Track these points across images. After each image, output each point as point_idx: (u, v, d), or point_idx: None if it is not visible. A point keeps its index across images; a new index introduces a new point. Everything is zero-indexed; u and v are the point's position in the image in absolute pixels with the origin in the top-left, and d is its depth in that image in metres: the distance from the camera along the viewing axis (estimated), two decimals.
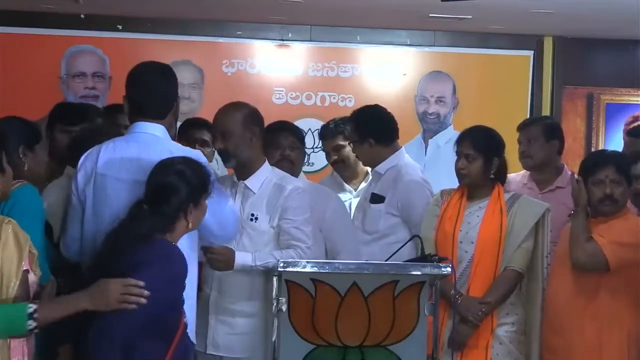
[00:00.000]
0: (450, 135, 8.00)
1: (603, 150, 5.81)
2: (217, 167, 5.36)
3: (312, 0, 7.04)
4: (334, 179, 5.61)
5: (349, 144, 5.29)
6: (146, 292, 3.31)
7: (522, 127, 5.34)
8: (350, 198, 5.51)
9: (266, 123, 4.55)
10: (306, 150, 5.13)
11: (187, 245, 3.73)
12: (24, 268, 3.29)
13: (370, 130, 5.09)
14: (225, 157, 4.36)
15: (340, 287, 3.91)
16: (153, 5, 7.43)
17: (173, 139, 4.04)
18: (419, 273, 3.94)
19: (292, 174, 4.58)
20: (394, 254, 4.30)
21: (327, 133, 5.55)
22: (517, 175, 5.29)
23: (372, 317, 3.93)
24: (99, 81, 7.92)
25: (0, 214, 3.50)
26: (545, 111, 8.28)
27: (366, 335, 3.94)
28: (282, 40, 8.13)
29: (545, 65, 8.39)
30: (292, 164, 4.72)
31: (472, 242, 4.48)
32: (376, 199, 5.07)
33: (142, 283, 3.32)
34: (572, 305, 4.40)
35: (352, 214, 5.26)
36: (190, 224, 3.59)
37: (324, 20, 8.00)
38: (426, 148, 8.26)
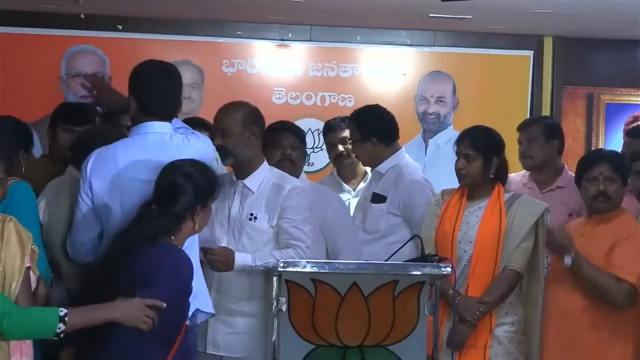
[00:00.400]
0: (450, 135, 7.99)
1: (600, 149, 5.82)
2: (217, 165, 5.36)
3: (312, 0, 7.04)
4: (333, 178, 5.61)
5: (350, 143, 5.29)
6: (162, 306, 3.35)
7: (522, 127, 5.34)
8: (349, 198, 5.51)
9: (266, 123, 4.55)
10: (306, 150, 5.13)
11: (188, 244, 3.73)
12: (27, 265, 3.29)
13: (372, 129, 5.10)
14: (224, 155, 4.37)
15: (340, 287, 3.91)
16: (153, 5, 7.43)
17: None
18: (419, 273, 3.95)
19: (293, 174, 4.59)
20: (393, 254, 4.30)
21: (335, 125, 5.55)
22: (517, 175, 5.29)
23: (372, 317, 3.93)
24: None
25: None
26: (545, 111, 8.28)
27: (366, 335, 3.95)
28: (282, 40, 8.12)
29: (545, 65, 8.38)
30: (293, 164, 4.72)
31: (471, 242, 4.48)
32: (377, 198, 5.07)
33: (163, 305, 3.34)
34: (571, 313, 4.37)
35: (351, 214, 5.25)
36: (196, 226, 3.63)
37: (324, 20, 7.99)
38: (426, 148, 8.25)
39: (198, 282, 3.82)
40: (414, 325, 3.97)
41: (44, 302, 3.54)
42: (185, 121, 5.60)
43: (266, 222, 4.30)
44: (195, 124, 5.48)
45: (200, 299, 3.90)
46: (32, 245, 3.34)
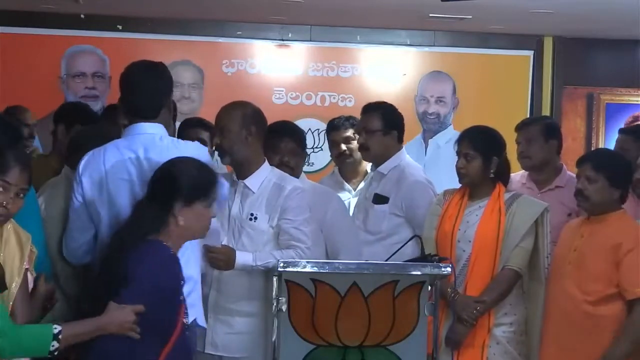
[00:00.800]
0: (450, 135, 8.00)
1: (598, 149, 5.80)
2: (217, 165, 5.36)
3: (312, 0, 7.04)
4: (334, 177, 5.61)
5: (366, 132, 5.17)
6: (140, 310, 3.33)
7: (521, 128, 5.32)
8: (349, 197, 5.51)
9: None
10: (306, 151, 5.12)
11: (189, 250, 3.73)
12: (25, 267, 3.29)
13: (396, 123, 5.12)
14: (222, 153, 4.37)
15: (340, 287, 3.92)
16: (153, 5, 7.43)
17: None
18: (419, 273, 3.95)
19: None
20: (394, 254, 4.31)
21: (339, 124, 5.55)
22: (516, 175, 5.28)
23: (372, 317, 3.93)
24: (99, 81, 7.93)
25: None
26: (545, 111, 8.28)
27: (366, 335, 3.95)
28: (282, 40, 8.13)
29: (545, 65, 8.39)
30: (291, 170, 4.68)
31: (470, 241, 4.48)
32: (380, 199, 5.05)
33: (142, 308, 3.31)
34: (571, 313, 4.36)
35: (351, 213, 5.25)
36: (182, 223, 3.48)
37: (324, 20, 8.00)
38: (426, 148, 8.26)
39: (195, 293, 3.81)
40: (414, 325, 3.97)
41: (43, 300, 3.52)
42: (185, 121, 5.65)
43: (266, 222, 4.30)
44: (195, 124, 5.50)
45: (197, 310, 3.90)
46: (31, 246, 3.34)
